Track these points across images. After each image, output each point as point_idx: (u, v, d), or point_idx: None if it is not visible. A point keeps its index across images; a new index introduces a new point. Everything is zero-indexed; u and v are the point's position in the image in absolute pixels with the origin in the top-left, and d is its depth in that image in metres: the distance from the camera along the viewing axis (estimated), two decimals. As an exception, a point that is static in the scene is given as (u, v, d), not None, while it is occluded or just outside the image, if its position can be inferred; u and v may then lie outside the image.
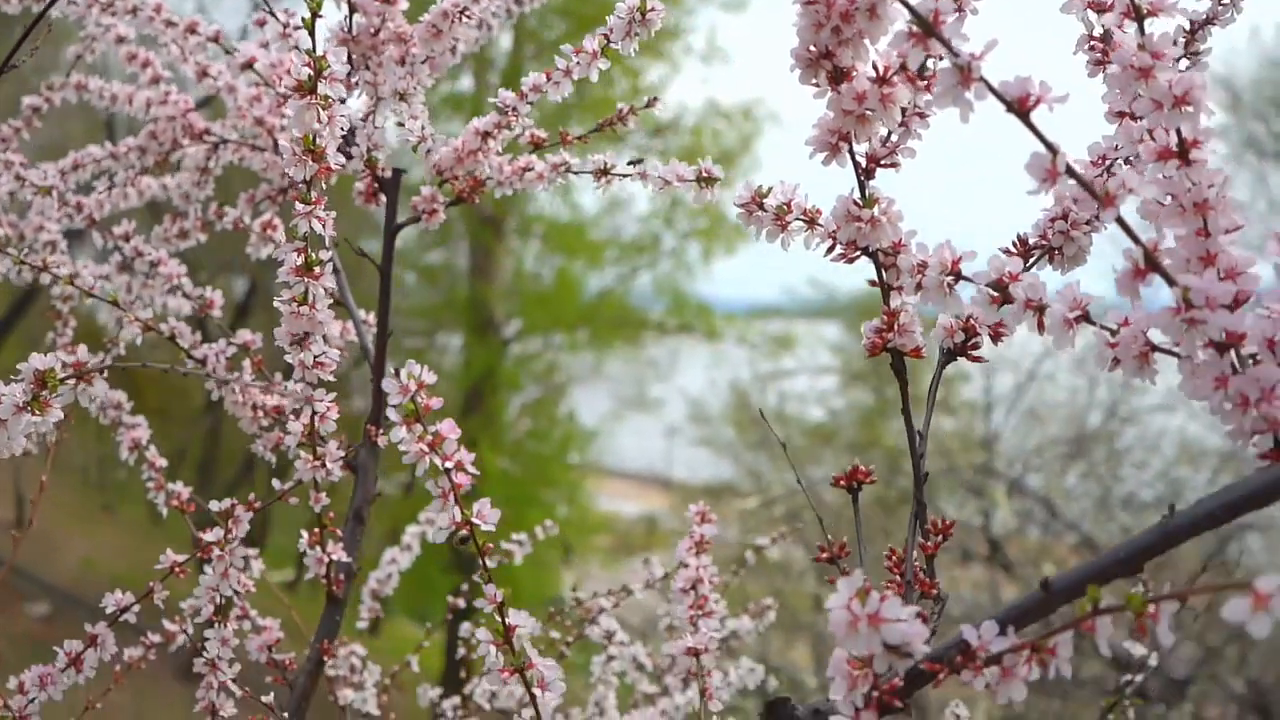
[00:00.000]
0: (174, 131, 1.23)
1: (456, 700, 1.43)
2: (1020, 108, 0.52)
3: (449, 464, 0.64)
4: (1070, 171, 0.52)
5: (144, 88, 1.26)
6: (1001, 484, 6.09)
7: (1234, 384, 0.52)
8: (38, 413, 0.69)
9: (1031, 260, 0.71)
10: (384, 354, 1.04)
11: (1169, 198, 0.56)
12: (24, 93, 1.38)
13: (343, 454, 0.93)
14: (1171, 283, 0.53)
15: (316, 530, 0.99)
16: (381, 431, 0.97)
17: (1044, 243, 0.71)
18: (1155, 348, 0.56)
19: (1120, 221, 0.53)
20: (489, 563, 1.26)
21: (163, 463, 1.14)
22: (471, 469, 0.65)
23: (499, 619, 0.67)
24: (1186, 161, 0.56)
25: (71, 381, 0.67)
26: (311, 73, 0.71)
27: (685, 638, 0.98)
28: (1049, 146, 0.52)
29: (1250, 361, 0.54)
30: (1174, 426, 7.45)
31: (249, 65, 1.10)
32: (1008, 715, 6.12)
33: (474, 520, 0.65)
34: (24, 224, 1.31)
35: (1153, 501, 6.26)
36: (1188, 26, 0.73)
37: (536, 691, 0.67)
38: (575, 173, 0.99)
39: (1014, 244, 0.71)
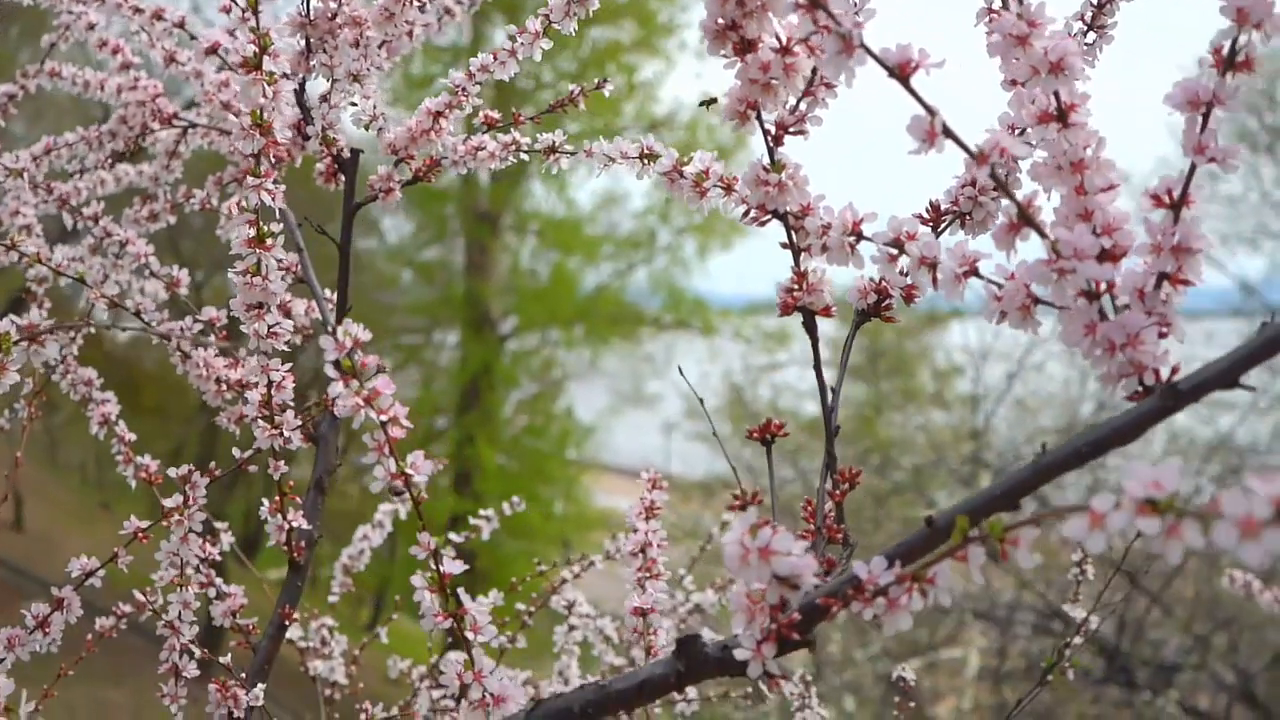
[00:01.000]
0: (143, 116, 1.26)
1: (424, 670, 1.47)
2: (901, 73, 0.56)
3: (384, 418, 0.68)
4: (947, 132, 0.55)
5: (115, 74, 1.29)
6: (990, 474, 6.13)
7: (1102, 330, 0.56)
8: (-5, 375, 0.73)
9: (943, 225, 0.75)
10: (344, 329, 1.08)
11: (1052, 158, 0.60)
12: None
13: (299, 422, 0.97)
14: (1044, 236, 0.56)
15: (277, 498, 1.03)
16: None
17: (955, 208, 0.74)
18: (1037, 299, 0.60)
19: (995, 178, 0.56)
20: (457, 536, 1.28)
21: (132, 437, 1.17)
22: (406, 423, 0.68)
23: (434, 566, 0.71)
24: (1065, 124, 0.59)
25: (24, 343, 0.71)
26: (257, 49, 0.75)
27: (632, 598, 1.01)
28: (928, 109, 0.56)
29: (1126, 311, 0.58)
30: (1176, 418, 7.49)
31: (213, 50, 1.13)
32: (997, 703, 6.16)
33: (408, 471, 0.69)
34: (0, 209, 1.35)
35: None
36: (1095, 1, 0.76)
37: (469, 635, 0.70)
38: (526, 152, 1.03)
39: (926, 209, 0.75)
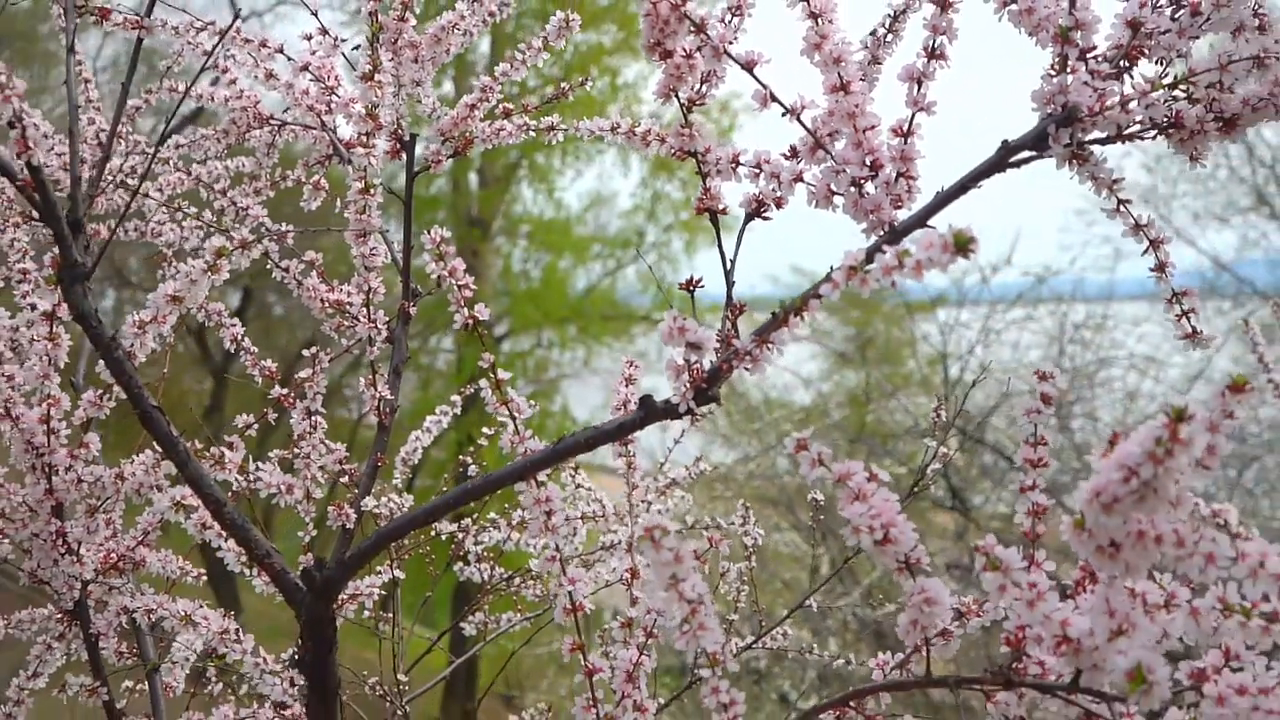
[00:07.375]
0: (247, 118, 1.72)
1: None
2: (748, 66, 1.01)
3: (460, 283, 1.13)
4: (773, 98, 1.01)
5: (223, 87, 1.74)
6: (955, 434, 6.60)
7: (861, 204, 1.01)
8: (214, 273, 1.18)
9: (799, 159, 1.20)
10: (409, 261, 1.53)
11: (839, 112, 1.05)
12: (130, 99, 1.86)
13: (388, 319, 1.43)
14: (828, 152, 1.02)
15: (370, 376, 1.48)
16: (412, 304, 1.46)
17: (806, 149, 1.19)
18: (834, 192, 1.05)
19: (800, 123, 1.02)
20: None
21: (254, 350, 1.63)
22: (473, 286, 1.14)
23: (493, 375, 1.16)
24: (846, 91, 1.05)
25: (239, 249, 1.16)
26: (371, 66, 1.20)
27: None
28: (763, 86, 1.01)
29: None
30: (1143, 387, 8.03)
31: (305, 68, 1.58)
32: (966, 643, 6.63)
33: (476, 315, 1.14)
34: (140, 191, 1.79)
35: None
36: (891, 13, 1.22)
37: (516, 414, 1.15)
38: (534, 130, 1.49)
39: (788, 149, 1.20)
